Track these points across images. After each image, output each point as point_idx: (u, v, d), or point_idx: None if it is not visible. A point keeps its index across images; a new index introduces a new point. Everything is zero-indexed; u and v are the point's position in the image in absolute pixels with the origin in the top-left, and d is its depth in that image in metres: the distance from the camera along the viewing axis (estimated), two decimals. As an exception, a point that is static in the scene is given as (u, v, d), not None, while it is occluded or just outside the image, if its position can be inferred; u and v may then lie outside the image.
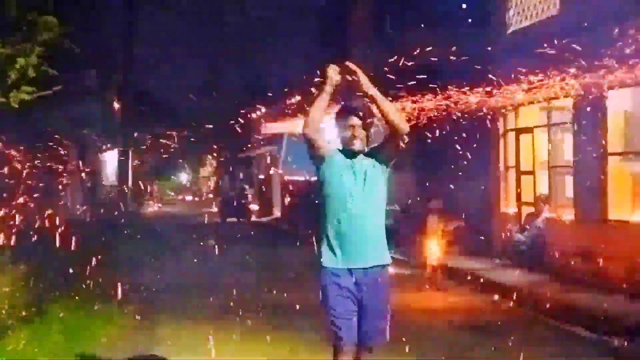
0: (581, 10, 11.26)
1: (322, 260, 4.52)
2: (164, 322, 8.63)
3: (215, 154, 45.99)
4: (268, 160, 31.63)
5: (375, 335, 4.49)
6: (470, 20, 17.99)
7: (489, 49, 14.40)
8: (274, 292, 10.65)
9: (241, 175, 37.57)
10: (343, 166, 4.53)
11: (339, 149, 4.62)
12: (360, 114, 4.56)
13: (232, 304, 9.68)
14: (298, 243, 16.46)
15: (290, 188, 24.64)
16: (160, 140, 38.20)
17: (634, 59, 9.17)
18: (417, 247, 11.03)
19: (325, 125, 4.96)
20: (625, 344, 7.59)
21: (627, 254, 10.03)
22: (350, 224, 4.44)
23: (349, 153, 4.56)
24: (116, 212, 22.37)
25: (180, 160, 47.38)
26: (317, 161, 4.58)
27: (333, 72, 4.47)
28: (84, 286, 9.83)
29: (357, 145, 4.55)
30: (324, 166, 4.55)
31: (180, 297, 10.46)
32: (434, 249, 11.01)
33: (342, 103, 4.70)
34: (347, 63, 4.43)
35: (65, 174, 18.75)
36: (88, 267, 10.35)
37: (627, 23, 9.49)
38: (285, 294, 10.44)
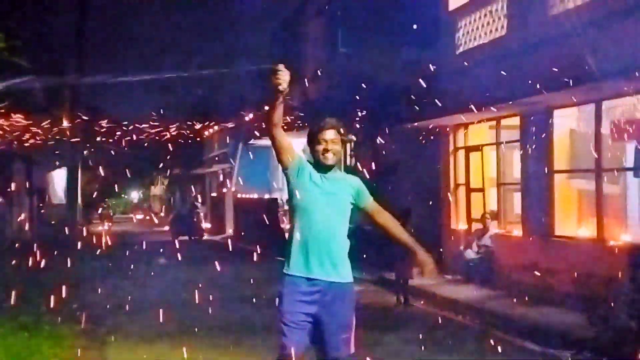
0: (527, 31, 11.58)
1: (285, 267, 4.53)
2: (114, 342, 8.49)
3: (167, 172, 45.60)
4: (221, 178, 31.50)
5: (340, 347, 4.48)
6: (421, 40, 18.39)
7: (439, 68, 14.72)
8: (226, 310, 10.59)
9: (193, 193, 37.32)
10: (313, 178, 4.54)
11: (310, 162, 4.62)
12: (335, 128, 4.58)
13: (183, 322, 9.61)
14: (251, 261, 16.42)
15: (243, 206, 24.56)
16: (111, 157, 37.69)
17: (578, 79, 9.45)
18: (393, 266, 11.10)
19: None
20: (572, 357, 7.77)
21: (573, 269, 10.28)
22: (315, 235, 4.46)
23: (320, 167, 4.57)
24: (64, 231, 21.94)
25: (132, 179, 46.81)
26: (284, 166, 4.54)
27: (276, 79, 4.28)
28: (30, 307, 9.61)
29: (330, 159, 4.55)
30: (292, 173, 4.52)
31: (130, 316, 10.31)
32: (402, 266, 11.14)
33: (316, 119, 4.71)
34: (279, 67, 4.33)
35: (11, 193, 18.34)
36: (33, 288, 10.13)
37: (570, 44, 9.79)
38: (237, 313, 10.40)
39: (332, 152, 4.55)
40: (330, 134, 4.55)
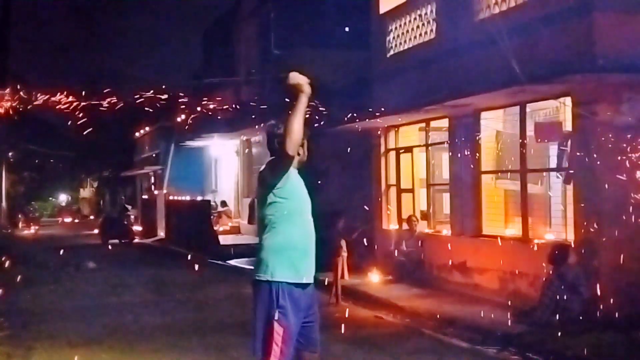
0: (456, 35, 11.83)
1: (278, 275, 4.32)
2: (39, 348, 8.27)
3: (96, 174, 44.65)
4: (152, 180, 31.03)
5: (317, 343, 4.49)
6: (353, 42, 18.57)
7: (371, 70, 14.91)
8: (157, 313, 10.46)
9: (123, 195, 36.65)
10: (299, 181, 4.51)
11: None
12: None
13: (111, 326, 9.45)
14: (183, 264, 16.24)
15: (175, 208, 24.26)
16: (38, 159, 36.70)
17: (503, 82, 9.71)
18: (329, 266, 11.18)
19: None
20: (497, 352, 7.98)
21: (499, 267, 10.57)
22: (309, 236, 4.46)
23: (296, 169, 4.54)
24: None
25: (59, 181, 45.65)
26: (280, 175, 4.39)
27: (301, 79, 4.25)
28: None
29: (305, 159, 4.59)
30: (282, 181, 4.39)
31: (56, 321, 10.05)
32: (340, 268, 11.31)
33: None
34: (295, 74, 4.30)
35: None
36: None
37: (496, 48, 10.05)
38: (169, 315, 10.28)
39: (306, 151, 4.57)
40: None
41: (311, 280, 4.44)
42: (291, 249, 4.38)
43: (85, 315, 10.46)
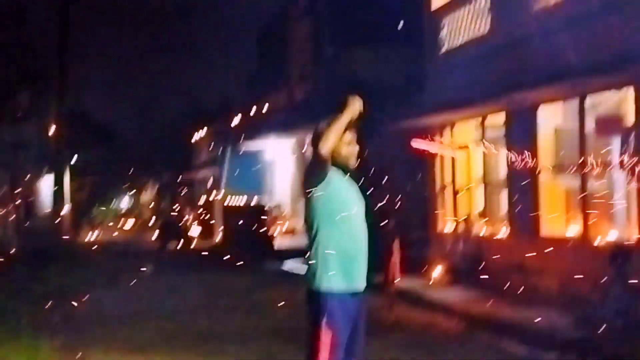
0: (511, 28, 11.45)
1: (325, 283, 4.27)
2: (95, 355, 8.29)
3: (157, 178, 45.34)
4: (209, 184, 31.29)
5: (361, 350, 4.40)
6: (406, 39, 18.27)
7: (424, 68, 14.62)
8: (213, 318, 10.42)
9: (182, 199, 37.07)
10: (344, 183, 4.37)
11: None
12: (354, 130, 4.43)
13: (168, 332, 9.44)
14: (240, 269, 16.24)
15: (232, 212, 24.36)
16: (100, 164, 37.47)
17: (563, 74, 9.34)
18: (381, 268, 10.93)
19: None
20: (558, 358, 7.64)
21: (560, 270, 10.14)
22: (357, 243, 4.32)
23: (343, 171, 4.40)
24: (51, 241, 21.67)
25: (121, 185, 46.54)
26: (318, 180, 4.30)
27: (356, 103, 4.29)
28: (9, 320, 9.41)
29: (352, 161, 4.44)
30: (324, 185, 4.29)
31: (113, 327, 10.09)
32: (396, 270, 10.99)
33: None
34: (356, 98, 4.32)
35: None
36: (14, 301, 9.93)
37: (553, 39, 9.67)
38: (225, 321, 10.23)
39: (354, 154, 4.43)
40: (351, 136, 4.41)
41: (361, 288, 4.31)
42: (337, 256, 4.26)
43: (141, 320, 10.47)
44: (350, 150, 4.39)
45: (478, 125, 13.03)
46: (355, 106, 4.27)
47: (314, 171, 4.31)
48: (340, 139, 4.31)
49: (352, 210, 4.30)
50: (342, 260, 4.26)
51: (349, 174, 4.40)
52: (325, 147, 4.20)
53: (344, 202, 4.31)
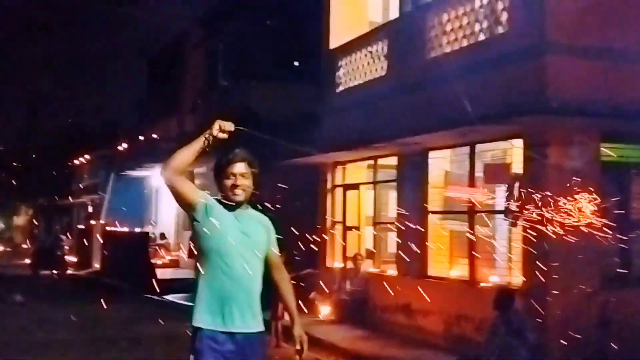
0: (406, 72, 11.74)
1: (196, 320, 4.02)
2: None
3: (32, 201, 43.21)
4: (89, 209, 30.10)
5: None
6: (302, 77, 18.41)
7: (320, 105, 14.72)
8: (89, 353, 9.87)
9: (59, 224, 35.47)
10: (225, 217, 4.08)
11: (217, 200, 4.15)
12: (246, 161, 4.15)
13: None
14: (118, 298, 15.54)
15: (112, 239, 23.46)
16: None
17: (452, 121, 9.61)
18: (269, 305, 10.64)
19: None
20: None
21: (445, 310, 10.34)
22: (234, 281, 4.01)
23: (229, 205, 4.12)
24: None
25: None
26: (189, 209, 4.07)
27: (219, 129, 3.98)
28: None
29: (239, 195, 4.11)
30: (198, 215, 4.05)
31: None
32: (280, 307, 10.66)
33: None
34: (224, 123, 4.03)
35: None
36: None
37: (446, 87, 9.96)
38: (101, 356, 9.70)
39: (242, 187, 4.12)
40: (239, 167, 4.13)
41: (237, 328, 4.02)
42: (209, 293, 4.03)
43: (8, 354, 9.78)
44: (233, 183, 4.11)
45: (370, 165, 13.23)
46: (214, 127, 3.99)
47: (172, 193, 4.08)
48: (222, 172, 4.11)
49: (228, 248, 4.04)
50: (215, 297, 4.02)
51: (238, 209, 4.13)
52: (166, 170, 3.98)
53: (220, 237, 4.05)
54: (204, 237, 4.05)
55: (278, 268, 4.34)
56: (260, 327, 4.16)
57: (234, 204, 4.12)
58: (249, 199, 4.21)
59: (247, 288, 4.07)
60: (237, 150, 4.19)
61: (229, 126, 3.99)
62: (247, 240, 4.09)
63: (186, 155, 4.01)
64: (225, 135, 3.99)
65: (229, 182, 4.12)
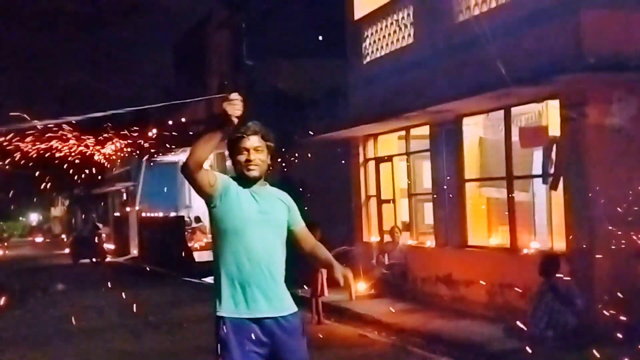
0: (434, 39, 11.45)
1: (218, 308, 3.83)
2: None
3: (67, 192, 43.73)
4: (124, 197, 30.32)
5: None
6: (328, 51, 18.16)
7: (347, 79, 14.49)
8: (131, 338, 9.89)
9: (95, 213, 35.84)
10: (241, 196, 3.86)
11: (232, 177, 3.94)
12: (259, 134, 3.91)
13: (80, 355, 8.89)
14: (157, 283, 15.61)
15: (148, 225, 23.62)
16: (4, 177, 35.74)
17: (485, 85, 9.33)
18: (308, 282, 10.55)
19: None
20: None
21: (487, 279, 10.13)
22: (254, 264, 3.79)
23: (245, 182, 3.90)
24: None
25: (29, 200, 44.67)
26: (208, 198, 3.86)
27: (232, 107, 3.65)
28: None
29: (253, 170, 3.88)
30: (217, 201, 3.84)
31: (19, 350, 9.45)
32: (319, 284, 10.54)
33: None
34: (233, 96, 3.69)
35: None
36: None
37: (476, 51, 9.67)
38: (141, 340, 9.72)
39: (256, 162, 3.88)
40: (253, 141, 3.89)
41: (261, 313, 3.81)
42: (229, 279, 3.82)
43: (52, 342, 9.87)
44: (246, 158, 3.89)
45: (402, 136, 12.99)
46: (225, 106, 3.66)
47: (196, 191, 3.87)
48: (235, 147, 3.89)
49: (247, 229, 3.83)
50: (236, 282, 3.81)
51: (255, 185, 3.91)
52: (186, 168, 3.75)
53: (239, 219, 3.83)
54: (221, 219, 3.85)
55: (306, 239, 4.07)
56: (291, 309, 3.91)
57: (249, 180, 3.91)
58: (264, 174, 3.98)
59: (270, 270, 3.85)
60: (249, 123, 3.94)
61: (234, 95, 3.67)
62: (266, 219, 3.88)
63: (204, 149, 3.75)
64: (236, 108, 3.67)
65: (242, 158, 3.89)
